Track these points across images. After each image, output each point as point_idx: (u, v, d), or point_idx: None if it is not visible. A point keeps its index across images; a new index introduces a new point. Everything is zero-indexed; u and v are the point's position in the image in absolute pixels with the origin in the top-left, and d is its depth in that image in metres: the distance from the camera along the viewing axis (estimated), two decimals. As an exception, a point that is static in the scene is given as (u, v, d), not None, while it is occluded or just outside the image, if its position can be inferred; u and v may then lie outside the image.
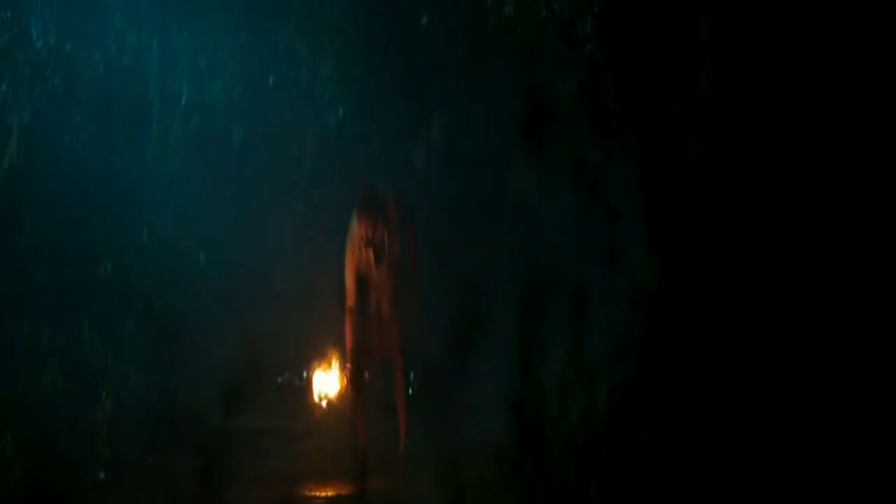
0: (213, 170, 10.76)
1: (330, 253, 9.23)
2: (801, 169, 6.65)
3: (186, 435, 8.39)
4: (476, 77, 10.95)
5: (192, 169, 10.52)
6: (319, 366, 9.39)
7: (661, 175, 7.10)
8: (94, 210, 9.84)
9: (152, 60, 10.27)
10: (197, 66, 10.48)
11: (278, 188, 10.53)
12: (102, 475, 8.50)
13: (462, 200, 11.19)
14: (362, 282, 9.03)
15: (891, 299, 6.45)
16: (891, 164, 6.51)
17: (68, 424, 8.89)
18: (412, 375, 9.37)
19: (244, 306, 10.87)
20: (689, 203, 6.92)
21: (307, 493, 8.43)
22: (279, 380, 10.96)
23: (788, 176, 6.68)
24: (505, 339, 6.87)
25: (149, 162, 10.21)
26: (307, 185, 9.27)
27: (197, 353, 9.62)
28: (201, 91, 10.53)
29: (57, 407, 9.05)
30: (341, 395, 10.16)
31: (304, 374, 10.95)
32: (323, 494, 8.40)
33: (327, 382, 9.33)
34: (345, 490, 8.24)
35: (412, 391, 9.33)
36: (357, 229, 8.98)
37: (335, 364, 9.39)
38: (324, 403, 9.31)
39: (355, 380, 9.08)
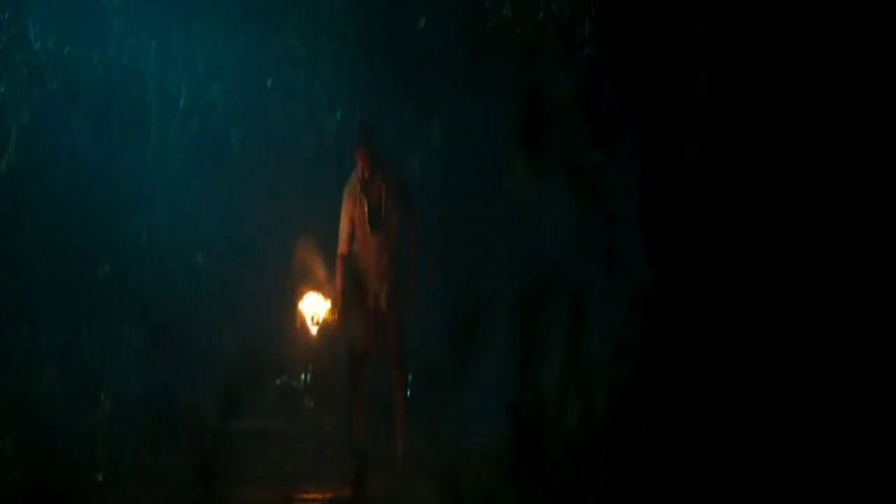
0: (212, 171, 10.77)
1: (329, 255, 9.23)
2: (800, 171, 6.65)
3: (185, 436, 8.42)
4: (475, 79, 10.96)
5: (191, 170, 10.54)
6: (310, 289, 9.27)
7: (659, 177, 7.10)
8: (93, 211, 9.86)
9: (151, 63, 10.30)
10: (195, 68, 10.51)
11: (277, 190, 10.53)
12: (101, 476, 8.50)
13: (461, 202, 11.20)
14: (359, 233, 9.01)
15: (889, 301, 6.46)
16: (890, 166, 6.52)
17: (67, 425, 8.90)
18: (410, 377, 9.37)
19: (242, 307, 10.88)
20: (687, 205, 6.93)
21: (306, 494, 8.43)
22: (278, 381, 10.95)
23: (787, 178, 6.68)
24: (504, 341, 6.87)
25: (147, 163, 10.23)
26: (306, 187, 9.27)
27: (195, 354, 9.64)
28: (200, 93, 10.55)
29: (56, 408, 9.07)
30: (337, 395, 10.12)
31: (303, 375, 10.95)
32: (321, 496, 8.40)
33: (318, 306, 9.23)
34: (343, 491, 8.22)
35: (410, 393, 9.33)
36: (356, 170, 8.94)
37: (325, 288, 9.27)
38: (314, 330, 9.19)
39: (354, 381, 9.08)
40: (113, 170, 9.98)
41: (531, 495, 6.50)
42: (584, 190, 7.60)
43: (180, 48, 10.40)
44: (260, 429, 9.88)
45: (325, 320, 9.13)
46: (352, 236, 9.02)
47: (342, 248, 9.05)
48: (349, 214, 9.01)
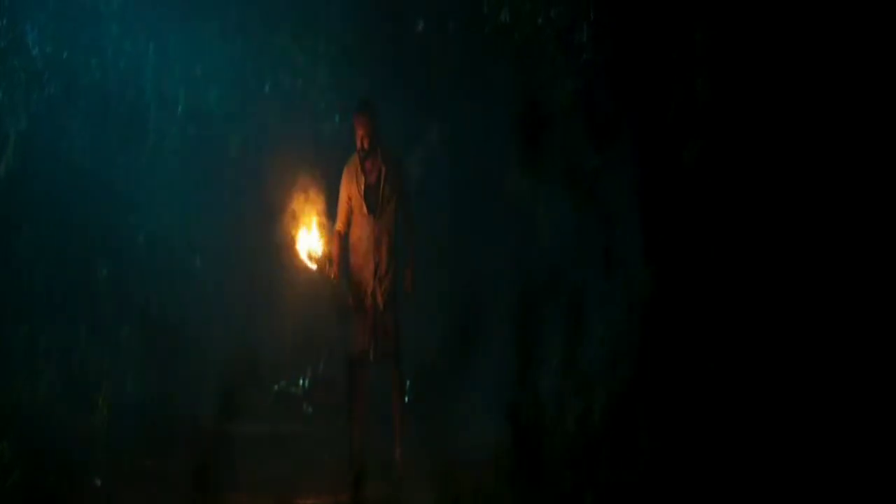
0: (210, 175, 10.77)
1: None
2: (798, 175, 6.66)
3: (183, 440, 8.42)
4: (473, 83, 10.96)
5: (189, 175, 10.53)
6: (303, 223, 9.21)
7: (657, 180, 7.11)
8: (91, 215, 9.86)
9: (148, 67, 10.30)
10: (193, 72, 10.50)
11: (274, 194, 10.52)
12: (99, 480, 8.49)
13: (460, 205, 11.20)
14: (356, 215, 9.00)
15: (887, 303, 6.47)
16: (889, 168, 6.52)
17: (66, 429, 8.89)
18: (408, 382, 9.36)
19: (240, 312, 10.88)
20: (685, 208, 6.93)
21: (303, 499, 8.43)
22: (275, 386, 10.95)
23: (784, 182, 6.69)
24: (502, 346, 6.88)
25: (145, 167, 10.23)
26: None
27: (193, 358, 9.64)
28: (197, 97, 10.55)
29: (54, 412, 9.06)
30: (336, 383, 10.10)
31: (301, 380, 10.95)
32: (319, 501, 8.39)
33: (313, 241, 9.16)
34: (341, 497, 8.23)
35: (408, 398, 9.32)
36: (356, 141, 8.93)
37: (318, 224, 9.20)
38: (311, 265, 9.12)
39: (352, 386, 9.07)
40: (111, 173, 9.98)
41: (529, 500, 6.50)
42: (583, 192, 7.61)
43: (178, 53, 10.41)
44: (258, 433, 9.88)
45: (322, 256, 9.02)
46: (349, 215, 9.02)
47: (339, 225, 9.05)
48: (346, 192, 9.01)
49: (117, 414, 9.25)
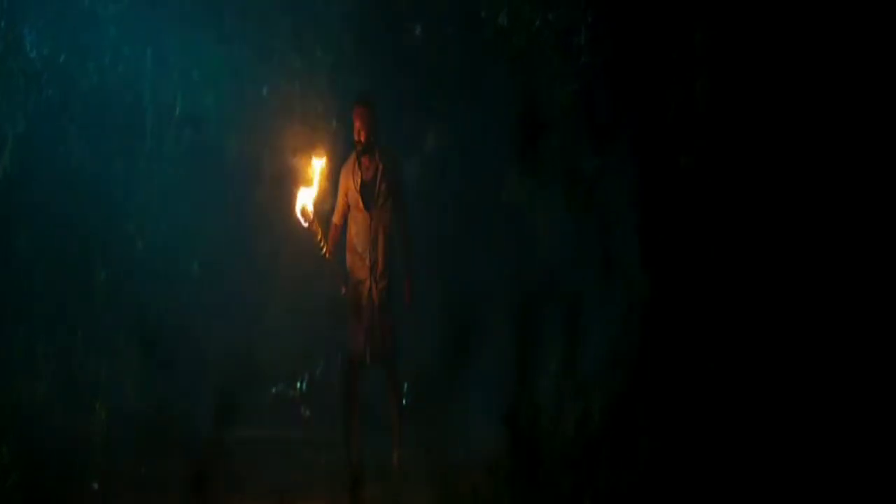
0: (207, 180, 10.77)
1: (325, 264, 9.21)
2: (797, 179, 6.65)
3: (180, 445, 8.40)
4: (471, 87, 10.97)
5: (186, 179, 10.53)
6: (302, 182, 9.18)
7: (656, 185, 7.10)
8: (88, 220, 9.86)
9: (146, 71, 10.29)
10: (190, 77, 10.50)
11: (272, 199, 10.52)
12: (96, 485, 8.48)
13: (457, 209, 11.20)
14: (352, 211, 9.00)
15: (886, 308, 6.46)
16: (888, 171, 6.52)
17: (64, 433, 8.89)
18: (406, 386, 9.36)
19: (238, 316, 10.88)
20: (684, 213, 6.92)
21: (301, 503, 8.42)
22: (273, 390, 10.94)
23: (784, 185, 6.68)
24: (500, 350, 6.87)
25: (142, 172, 10.23)
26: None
27: (191, 362, 9.63)
28: (195, 102, 10.55)
29: (52, 417, 9.06)
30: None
31: (299, 383, 10.94)
32: (316, 505, 8.40)
33: (307, 197, 9.13)
34: (339, 501, 8.23)
35: (406, 402, 9.32)
36: (354, 134, 8.93)
37: (317, 182, 9.17)
38: (304, 223, 9.10)
39: (349, 390, 9.06)
40: (108, 177, 9.99)
41: (528, 501, 6.49)
42: (581, 197, 7.60)
43: (176, 57, 10.41)
44: (255, 437, 9.87)
45: (314, 212, 8.97)
46: (345, 209, 9.03)
47: (336, 218, 9.07)
48: (343, 186, 9.03)
49: (115, 417, 9.26)
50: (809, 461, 6.35)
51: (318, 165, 8.97)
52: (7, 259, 9.54)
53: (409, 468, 8.62)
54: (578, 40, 8.43)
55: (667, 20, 7.18)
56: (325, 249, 8.97)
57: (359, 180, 8.99)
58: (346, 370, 9.07)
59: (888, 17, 6.53)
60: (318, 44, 11.11)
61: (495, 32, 9.19)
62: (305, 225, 8.92)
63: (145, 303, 9.88)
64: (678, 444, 6.56)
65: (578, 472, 6.51)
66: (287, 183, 9.31)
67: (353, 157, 9.04)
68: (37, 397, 9.17)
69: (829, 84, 6.65)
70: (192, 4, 10.47)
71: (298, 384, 10.96)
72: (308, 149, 9.10)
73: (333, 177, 9.10)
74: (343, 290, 9.06)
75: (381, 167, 8.98)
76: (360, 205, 8.98)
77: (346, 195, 9.04)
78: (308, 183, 8.96)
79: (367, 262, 8.98)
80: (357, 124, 8.96)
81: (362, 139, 8.95)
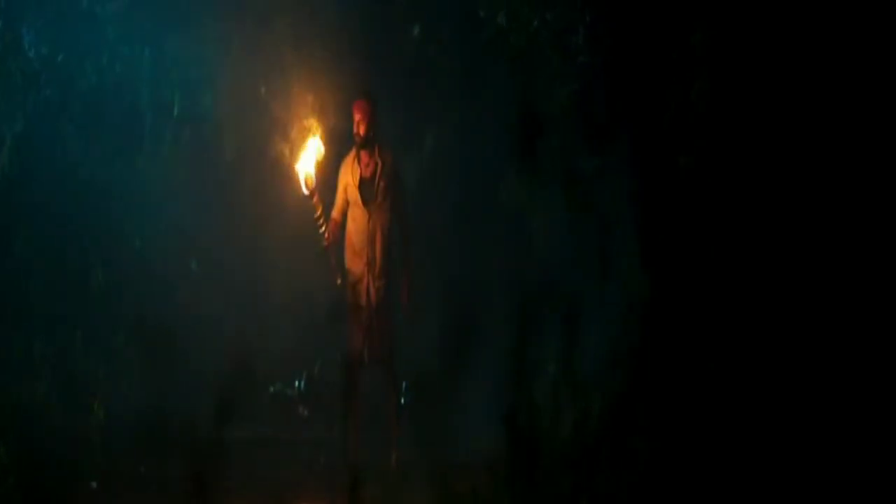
0: (205, 180, 10.75)
1: (322, 263, 9.22)
2: (795, 179, 6.66)
3: (179, 445, 8.40)
4: (469, 88, 10.96)
5: (184, 179, 10.52)
6: (300, 150, 9.17)
7: (654, 186, 7.11)
8: (86, 220, 9.85)
9: (144, 71, 10.28)
10: (188, 77, 10.49)
11: (270, 198, 10.52)
12: (95, 485, 8.49)
13: (456, 210, 11.19)
14: (352, 208, 9.01)
15: (885, 308, 6.47)
16: (889, 171, 6.52)
17: (62, 433, 8.89)
18: (405, 385, 9.36)
19: (236, 316, 10.87)
20: (682, 214, 6.93)
21: (299, 502, 8.43)
22: (271, 389, 10.94)
23: (782, 186, 6.69)
24: (498, 351, 6.87)
25: (141, 172, 10.21)
26: (299, 196, 9.24)
27: (189, 362, 9.61)
28: (193, 102, 10.53)
29: (50, 417, 9.05)
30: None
31: (297, 383, 10.94)
32: (315, 504, 8.41)
33: (308, 164, 9.12)
34: (337, 501, 8.23)
35: (405, 402, 9.32)
36: (354, 128, 8.94)
37: (317, 150, 9.16)
38: (306, 191, 9.08)
39: (348, 390, 9.06)
40: (107, 177, 9.97)
41: (526, 502, 6.50)
42: (580, 197, 7.61)
43: (174, 57, 10.39)
44: (254, 437, 9.87)
45: (313, 179, 8.96)
46: (345, 204, 9.03)
47: (335, 213, 9.06)
48: (343, 181, 9.03)
49: (113, 418, 9.26)
50: (809, 460, 6.36)
51: (316, 144, 8.99)
52: (6, 259, 9.53)
53: (407, 468, 8.62)
54: (577, 40, 8.43)
55: (665, 20, 7.19)
56: (323, 227, 8.97)
57: (357, 176, 8.99)
58: (345, 368, 9.07)
59: (888, 17, 6.54)
60: (317, 43, 11.10)
61: (494, 32, 9.17)
62: (307, 193, 8.92)
63: (144, 303, 9.88)
64: (677, 444, 6.57)
65: (577, 472, 6.52)
66: (287, 183, 9.31)
67: (352, 152, 9.05)
68: (36, 397, 9.16)
69: (828, 84, 6.66)
70: (190, 4, 10.46)
71: (297, 383, 10.95)
72: (307, 134, 9.12)
73: (333, 164, 9.12)
74: (338, 280, 9.06)
75: (380, 164, 8.98)
76: (359, 200, 8.99)
77: (346, 190, 9.04)
78: (309, 155, 8.97)
79: (366, 258, 8.97)
80: (357, 117, 8.96)
81: (362, 132, 8.94)
